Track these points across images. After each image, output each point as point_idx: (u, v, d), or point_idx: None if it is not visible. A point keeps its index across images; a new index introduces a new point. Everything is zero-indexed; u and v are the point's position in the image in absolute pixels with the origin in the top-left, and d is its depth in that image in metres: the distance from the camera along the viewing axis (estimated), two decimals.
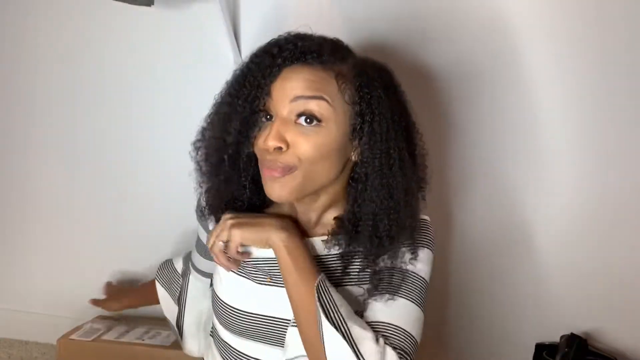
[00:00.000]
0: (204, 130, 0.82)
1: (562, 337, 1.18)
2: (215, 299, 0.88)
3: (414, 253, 0.81)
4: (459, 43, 1.11)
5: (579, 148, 1.13)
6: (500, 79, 1.11)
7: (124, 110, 1.25)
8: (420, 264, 0.82)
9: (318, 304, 0.72)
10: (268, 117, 0.76)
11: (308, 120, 0.72)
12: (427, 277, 0.82)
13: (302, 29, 0.78)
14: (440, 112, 1.16)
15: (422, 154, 0.83)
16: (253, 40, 1.12)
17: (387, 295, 0.78)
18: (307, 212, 0.83)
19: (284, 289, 0.77)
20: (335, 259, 0.81)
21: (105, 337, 1.22)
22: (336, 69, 0.74)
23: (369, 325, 0.75)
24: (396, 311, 0.77)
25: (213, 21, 1.12)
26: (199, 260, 0.96)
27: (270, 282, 0.82)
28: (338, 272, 0.81)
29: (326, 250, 0.81)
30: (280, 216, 0.81)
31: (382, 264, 0.79)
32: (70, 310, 1.37)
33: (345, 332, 0.72)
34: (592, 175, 1.13)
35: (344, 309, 0.74)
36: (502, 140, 1.15)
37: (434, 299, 1.27)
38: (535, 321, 1.23)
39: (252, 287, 0.83)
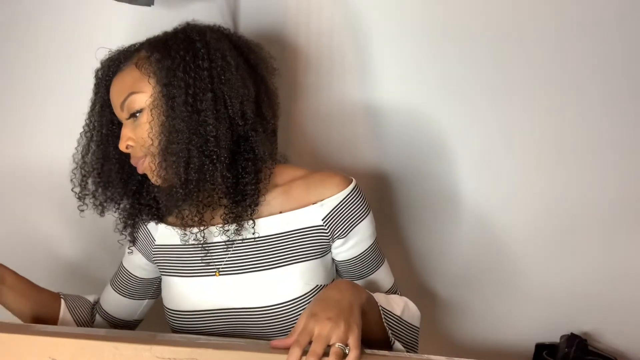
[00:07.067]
0: (90, 159, 0.91)
1: (562, 337, 1.18)
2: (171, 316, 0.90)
3: (363, 228, 0.87)
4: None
5: (586, 141, 1.13)
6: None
7: None
8: (371, 235, 0.89)
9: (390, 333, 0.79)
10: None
11: (133, 116, 0.82)
12: (375, 234, 0.91)
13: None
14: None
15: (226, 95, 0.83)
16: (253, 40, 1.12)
17: (373, 271, 0.91)
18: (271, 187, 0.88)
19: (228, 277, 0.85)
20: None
21: None
22: (134, 59, 0.84)
23: (389, 291, 0.92)
24: (386, 274, 0.93)
25: (213, 21, 1.11)
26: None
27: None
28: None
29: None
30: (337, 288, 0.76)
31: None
32: None
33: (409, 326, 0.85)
34: (594, 172, 1.13)
35: (393, 306, 0.83)
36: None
37: (434, 298, 1.27)
38: (535, 321, 1.23)
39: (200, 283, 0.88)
